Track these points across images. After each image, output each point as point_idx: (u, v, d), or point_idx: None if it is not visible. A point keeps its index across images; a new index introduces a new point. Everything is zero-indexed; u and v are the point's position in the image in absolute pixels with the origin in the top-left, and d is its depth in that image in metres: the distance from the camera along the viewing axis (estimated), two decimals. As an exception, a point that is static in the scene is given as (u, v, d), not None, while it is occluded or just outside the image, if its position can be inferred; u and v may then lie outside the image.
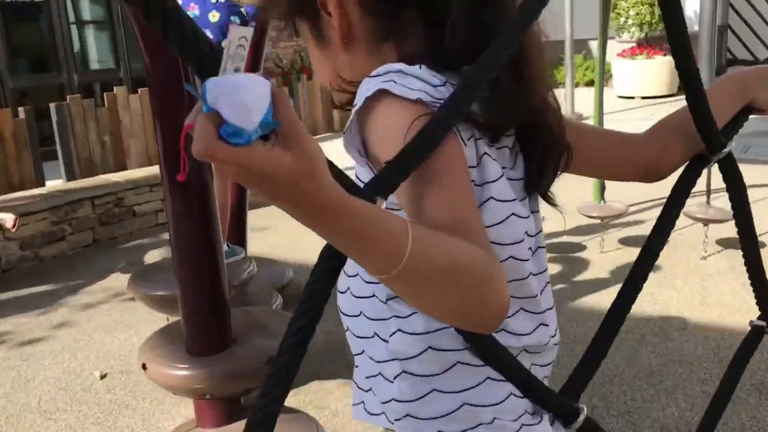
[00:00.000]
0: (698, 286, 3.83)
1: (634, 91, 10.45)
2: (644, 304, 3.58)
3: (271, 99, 0.50)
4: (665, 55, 10.41)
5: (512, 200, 0.79)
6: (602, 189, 4.49)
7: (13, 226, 3.92)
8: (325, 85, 0.89)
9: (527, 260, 0.82)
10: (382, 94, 0.71)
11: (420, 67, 0.75)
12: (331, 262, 0.59)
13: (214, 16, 3.21)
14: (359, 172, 0.81)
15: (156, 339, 2.29)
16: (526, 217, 0.82)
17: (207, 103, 0.48)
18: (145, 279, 3.04)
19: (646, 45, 10.60)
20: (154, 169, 5.51)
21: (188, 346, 2.18)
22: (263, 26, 3.37)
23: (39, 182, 5.42)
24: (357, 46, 0.82)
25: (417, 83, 0.72)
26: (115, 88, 6.16)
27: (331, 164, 0.56)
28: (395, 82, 0.71)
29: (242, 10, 3.22)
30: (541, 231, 0.89)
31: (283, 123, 0.51)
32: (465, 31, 0.77)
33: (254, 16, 3.24)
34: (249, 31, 0.48)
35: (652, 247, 0.90)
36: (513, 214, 0.79)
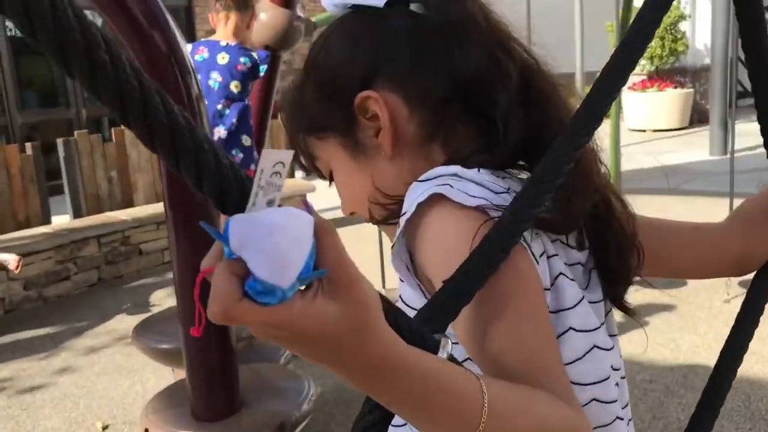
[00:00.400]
0: (723, 332, 3.66)
1: (646, 124, 10.36)
2: (666, 352, 3.43)
3: (315, 239, 0.38)
4: (676, 87, 10.36)
5: (594, 329, 0.66)
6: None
7: (16, 267, 3.82)
8: (359, 213, 0.76)
9: (615, 401, 0.67)
10: (436, 199, 0.60)
11: (478, 171, 0.64)
12: (379, 412, 0.47)
13: (224, 58, 3.13)
14: (405, 294, 0.68)
15: (160, 401, 2.17)
16: (610, 349, 0.69)
17: (230, 246, 0.37)
18: (149, 330, 2.91)
19: (656, 78, 10.54)
20: (161, 206, 5.39)
21: (194, 409, 2.06)
22: (275, 61, 3.30)
23: (45, 219, 5.34)
24: (404, 149, 0.71)
25: (476, 189, 0.61)
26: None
27: (383, 299, 0.44)
28: (451, 187, 0.60)
29: (253, 53, 3.13)
30: (620, 357, 0.75)
31: (330, 269, 0.39)
32: (519, 125, 0.67)
33: (265, 59, 3.15)
34: (287, 156, 0.37)
35: (731, 352, 0.77)
36: (595, 346, 0.66)
